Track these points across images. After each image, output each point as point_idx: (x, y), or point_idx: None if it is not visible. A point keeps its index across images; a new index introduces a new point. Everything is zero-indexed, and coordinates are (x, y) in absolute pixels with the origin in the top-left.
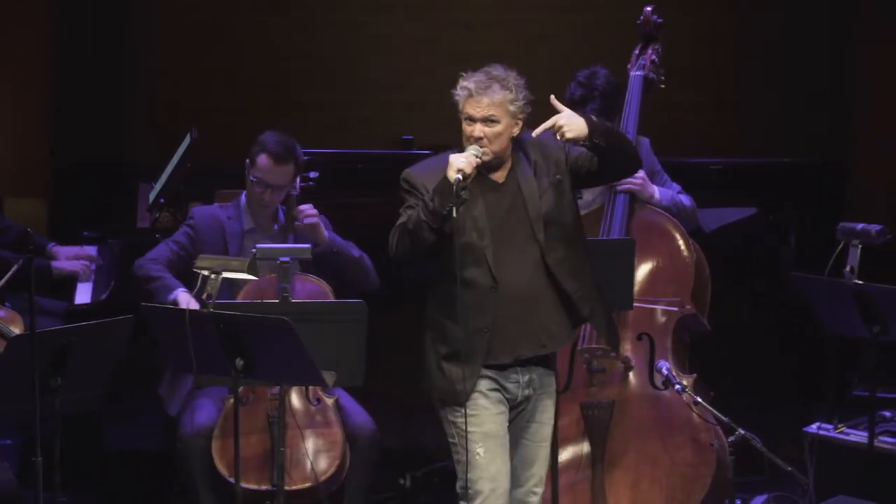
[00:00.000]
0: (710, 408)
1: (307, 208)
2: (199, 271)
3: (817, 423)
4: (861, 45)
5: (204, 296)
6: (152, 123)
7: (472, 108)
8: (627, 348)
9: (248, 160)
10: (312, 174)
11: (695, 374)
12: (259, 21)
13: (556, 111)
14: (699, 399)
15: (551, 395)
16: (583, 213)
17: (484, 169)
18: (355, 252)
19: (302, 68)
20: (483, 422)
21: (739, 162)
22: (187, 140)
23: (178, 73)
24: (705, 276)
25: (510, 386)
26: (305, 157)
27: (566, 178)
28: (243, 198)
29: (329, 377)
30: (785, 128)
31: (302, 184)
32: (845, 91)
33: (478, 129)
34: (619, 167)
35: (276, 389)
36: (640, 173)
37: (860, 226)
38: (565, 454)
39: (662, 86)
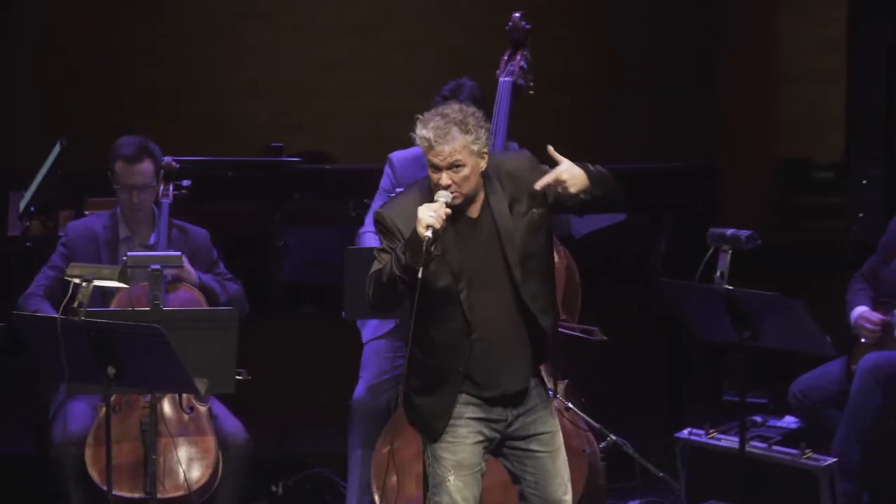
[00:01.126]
0: (582, 414)
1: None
2: (70, 279)
3: (688, 429)
4: (728, 50)
5: (75, 304)
6: (22, 131)
7: (436, 158)
8: None
9: (108, 171)
10: (185, 182)
11: (567, 380)
12: (130, 29)
13: (553, 162)
14: (570, 405)
15: (546, 405)
16: None
17: (459, 206)
18: (223, 297)
19: (171, 76)
20: (458, 451)
21: (610, 167)
22: (57, 148)
23: (49, 80)
24: (575, 282)
25: (495, 411)
26: (176, 163)
27: (545, 211)
28: (118, 208)
29: (201, 384)
30: (656, 133)
31: (175, 192)
32: (715, 97)
33: (444, 178)
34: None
35: (148, 397)
36: None
37: (730, 231)
38: None
39: (531, 91)
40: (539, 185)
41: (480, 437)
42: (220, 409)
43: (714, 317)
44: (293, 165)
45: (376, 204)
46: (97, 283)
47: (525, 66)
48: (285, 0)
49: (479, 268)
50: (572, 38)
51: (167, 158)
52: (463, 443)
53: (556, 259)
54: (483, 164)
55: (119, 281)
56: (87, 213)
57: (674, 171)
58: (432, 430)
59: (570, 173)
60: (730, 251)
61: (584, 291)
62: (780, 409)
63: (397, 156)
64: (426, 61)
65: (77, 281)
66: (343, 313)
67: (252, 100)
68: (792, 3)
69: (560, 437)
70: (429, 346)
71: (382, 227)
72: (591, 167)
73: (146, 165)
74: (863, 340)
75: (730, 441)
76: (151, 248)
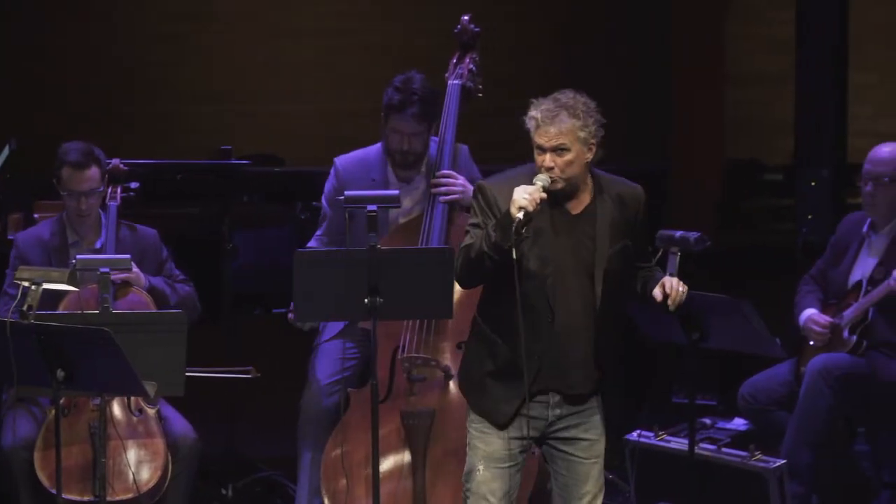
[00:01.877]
0: None
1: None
2: (18, 283)
3: (638, 431)
4: (677, 51)
5: (24, 307)
6: None
7: (541, 138)
8: (447, 357)
9: (54, 179)
10: (133, 185)
11: None
12: (79, 31)
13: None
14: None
15: (596, 413)
16: (401, 221)
17: (560, 195)
18: (173, 299)
19: (122, 78)
20: (490, 442)
21: None
22: (6, 151)
23: None
24: None
25: (536, 407)
26: (125, 166)
27: (630, 244)
28: (65, 213)
29: (150, 387)
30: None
31: (123, 195)
32: (663, 99)
33: (548, 159)
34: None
35: (97, 400)
36: (461, 179)
37: (679, 233)
38: (386, 463)
39: (480, 94)
40: (670, 301)
41: (517, 434)
42: (169, 411)
43: (663, 319)
44: (242, 168)
45: (323, 212)
46: (46, 286)
47: (474, 68)
48: (235, 3)
49: (567, 262)
50: (523, 41)
51: (114, 161)
52: (497, 435)
53: None
54: (589, 156)
55: (68, 284)
56: (36, 216)
57: (625, 173)
58: (501, 413)
59: (682, 289)
60: (679, 253)
61: None
62: (729, 411)
63: (341, 160)
64: (376, 63)
65: (26, 284)
66: (290, 316)
67: (202, 102)
68: (740, 6)
69: (599, 449)
70: (509, 329)
71: (482, 201)
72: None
73: (93, 171)
74: (811, 343)
75: (679, 443)
76: (100, 251)
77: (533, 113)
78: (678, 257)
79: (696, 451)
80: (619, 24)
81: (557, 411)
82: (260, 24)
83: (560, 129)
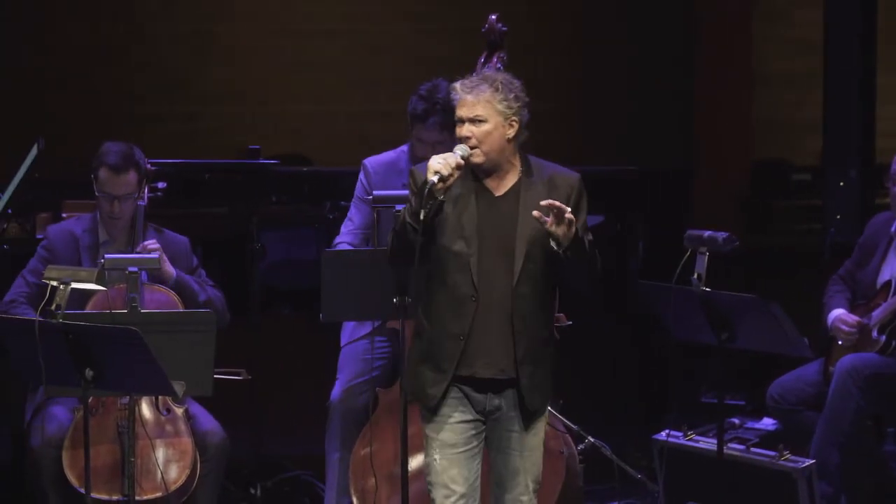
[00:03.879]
0: (560, 416)
1: (149, 243)
2: (47, 282)
3: (666, 431)
4: (703, 52)
5: (53, 306)
6: None
7: (460, 109)
8: None
9: (92, 176)
10: (160, 185)
11: None
12: (107, 31)
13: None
14: (548, 407)
15: (536, 405)
16: None
17: (481, 174)
18: (202, 296)
19: (147, 78)
20: (441, 430)
21: (585, 170)
22: (34, 151)
23: (27, 82)
24: None
25: (478, 396)
26: (152, 165)
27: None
28: (98, 212)
29: (178, 387)
30: (631, 136)
31: (150, 194)
32: (690, 99)
33: (465, 129)
34: (573, 280)
35: (125, 399)
36: None
37: (707, 233)
38: (415, 462)
39: None
40: (545, 202)
41: (464, 418)
42: (198, 409)
43: (691, 319)
44: (270, 168)
45: (352, 212)
46: (74, 285)
47: (501, 68)
48: (264, 3)
49: (490, 243)
50: (548, 42)
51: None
52: (446, 422)
53: None
54: (510, 133)
55: (96, 283)
56: (64, 215)
57: (651, 174)
58: (428, 396)
59: (569, 218)
60: (707, 253)
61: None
62: (757, 411)
63: (371, 161)
64: (404, 64)
65: (54, 283)
66: (321, 315)
67: (230, 102)
68: (767, 7)
69: (534, 441)
70: (436, 312)
71: (412, 184)
72: (588, 241)
73: (131, 176)
74: (840, 343)
75: (708, 443)
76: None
77: (455, 85)
78: (706, 257)
79: (725, 451)
80: (643, 24)
81: (498, 401)
82: (279, 24)
83: (478, 98)
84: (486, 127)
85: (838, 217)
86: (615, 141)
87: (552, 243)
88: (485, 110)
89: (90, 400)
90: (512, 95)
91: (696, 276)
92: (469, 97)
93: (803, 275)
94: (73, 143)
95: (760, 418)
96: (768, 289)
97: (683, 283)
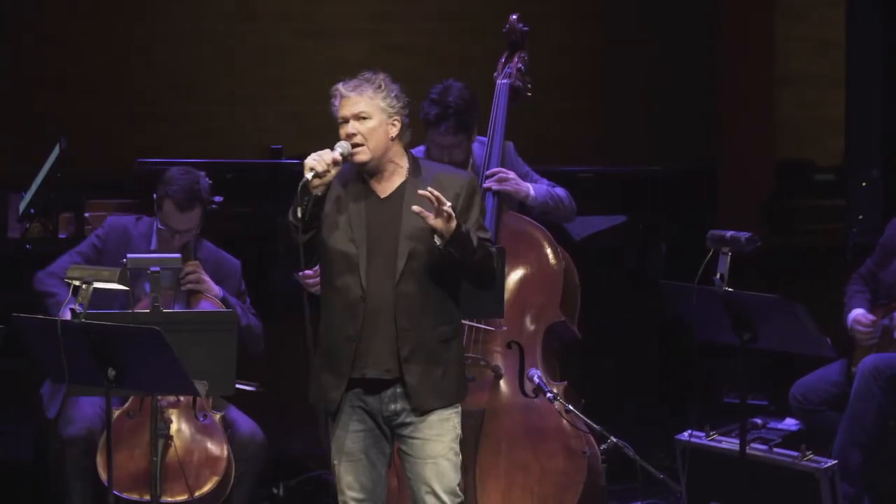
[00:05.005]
0: (582, 416)
1: (189, 271)
2: (70, 281)
3: (689, 431)
4: (725, 52)
5: (76, 305)
6: (19, 133)
7: (344, 108)
8: (498, 357)
9: (155, 197)
10: (217, 198)
11: (566, 382)
12: (128, 31)
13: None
14: (571, 407)
15: (438, 409)
16: None
17: (367, 175)
18: (243, 321)
19: (167, 78)
20: (339, 436)
21: (608, 170)
22: (56, 150)
23: (47, 82)
24: (574, 284)
25: (370, 399)
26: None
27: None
28: (158, 219)
29: (201, 386)
30: (654, 136)
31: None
32: (713, 99)
33: (350, 127)
34: (472, 276)
35: (163, 402)
36: (512, 174)
37: (729, 233)
38: None
39: (529, 94)
40: (421, 191)
41: (361, 426)
42: (236, 414)
43: (714, 319)
44: (293, 168)
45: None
46: (97, 285)
47: (522, 67)
48: (286, 2)
49: (377, 243)
50: (571, 41)
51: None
52: (343, 429)
53: (555, 261)
54: (393, 132)
55: (119, 283)
56: (87, 215)
57: (673, 174)
58: (329, 400)
59: (447, 212)
60: (729, 253)
61: (583, 294)
62: (780, 411)
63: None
64: (426, 64)
65: (77, 283)
66: None
67: (252, 102)
68: (789, 6)
69: (438, 449)
70: (330, 314)
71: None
72: (476, 238)
73: (195, 213)
74: (860, 343)
75: (730, 443)
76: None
77: (337, 86)
78: (729, 257)
79: (748, 451)
80: (666, 23)
81: (394, 406)
82: (300, 24)
83: (360, 95)
84: (370, 124)
85: (861, 217)
86: (638, 141)
87: (435, 238)
88: (368, 107)
89: (128, 403)
90: (393, 94)
91: (718, 276)
92: (352, 95)
93: (826, 275)
94: (95, 143)
95: (783, 418)
96: (790, 289)
97: (706, 283)
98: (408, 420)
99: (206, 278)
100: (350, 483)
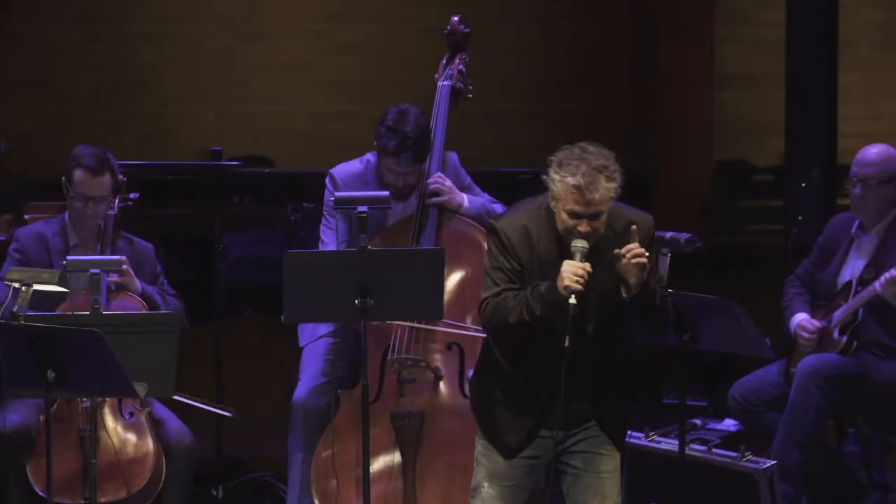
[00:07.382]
0: None
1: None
2: (9, 284)
3: (628, 432)
4: (663, 55)
5: (15, 308)
6: None
7: (580, 206)
8: (438, 358)
9: (64, 178)
10: (132, 195)
11: None
12: (68, 32)
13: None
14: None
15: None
16: (390, 222)
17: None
18: (163, 310)
19: (108, 79)
20: (495, 460)
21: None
22: None
23: None
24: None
25: (543, 442)
26: (123, 175)
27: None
28: (67, 214)
29: (140, 388)
30: (593, 138)
31: (121, 204)
32: (652, 100)
33: (585, 225)
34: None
35: (87, 403)
36: (448, 182)
37: (669, 234)
38: (377, 464)
39: (470, 95)
40: (625, 249)
41: (523, 462)
42: (165, 413)
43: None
44: (233, 169)
45: (330, 222)
46: (37, 287)
47: (464, 69)
48: (226, 3)
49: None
50: (513, 43)
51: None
52: (499, 455)
53: (481, 241)
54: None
55: (59, 285)
56: (26, 216)
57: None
58: (503, 443)
59: (641, 260)
60: (669, 254)
61: None
62: (719, 411)
63: (339, 172)
64: (368, 65)
65: (16, 285)
66: (283, 317)
67: (192, 104)
68: (729, 7)
69: (610, 464)
70: (525, 362)
71: (497, 241)
72: (660, 290)
73: (106, 178)
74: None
75: (670, 444)
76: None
77: (571, 181)
78: (669, 258)
79: (687, 451)
80: (606, 26)
81: (566, 442)
82: (240, 25)
83: (601, 196)
84: (603, 218)
85: (800, 218)
86: (578, 141)
87: (626, 286)
88: (604, 206)
89: (55, 407)
90: (619, 174)
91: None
92: (595, 196)
93: (765, 275)
94: (34, 145)
95: (722, 419)
96: (730, 289)
97: None
98: (582, 437)
99: (132, 275)
100: None
